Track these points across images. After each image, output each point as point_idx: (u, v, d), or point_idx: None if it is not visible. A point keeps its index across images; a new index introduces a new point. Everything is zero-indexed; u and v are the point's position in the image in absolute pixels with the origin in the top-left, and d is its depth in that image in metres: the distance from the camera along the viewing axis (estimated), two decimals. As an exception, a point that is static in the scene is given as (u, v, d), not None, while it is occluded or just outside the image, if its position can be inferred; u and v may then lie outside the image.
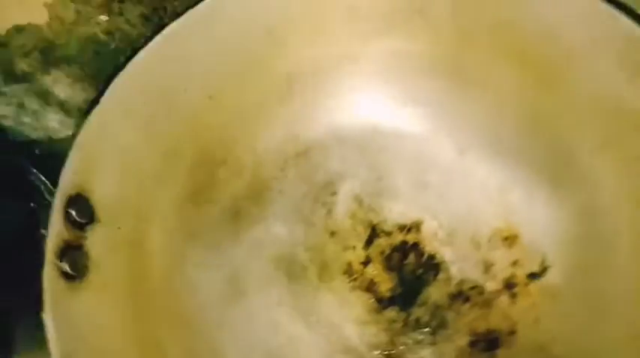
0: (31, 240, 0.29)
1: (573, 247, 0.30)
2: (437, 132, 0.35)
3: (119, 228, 0.28)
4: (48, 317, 0.22)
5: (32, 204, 0.31)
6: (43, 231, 0.25)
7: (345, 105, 0.35)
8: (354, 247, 0.35)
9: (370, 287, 0.33)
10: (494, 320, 0.30)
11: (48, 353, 0.33)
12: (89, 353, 0.23)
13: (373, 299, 0.33)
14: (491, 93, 0.34)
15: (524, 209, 0.32)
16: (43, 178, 0.31)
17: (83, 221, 0.26)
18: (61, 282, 0.24)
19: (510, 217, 0.33)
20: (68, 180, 0.26)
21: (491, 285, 0.32)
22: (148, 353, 0.26)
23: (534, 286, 0.30)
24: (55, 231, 0.25)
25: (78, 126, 0.27)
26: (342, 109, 0.35)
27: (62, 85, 0.36)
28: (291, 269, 0.34)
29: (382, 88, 0.35)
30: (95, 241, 0.27)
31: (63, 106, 0.37)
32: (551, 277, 0.30)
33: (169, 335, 0.28)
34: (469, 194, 0.34)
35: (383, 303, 0.33)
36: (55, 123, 0.37)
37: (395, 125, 0.35)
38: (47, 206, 0.26)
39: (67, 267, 0.25)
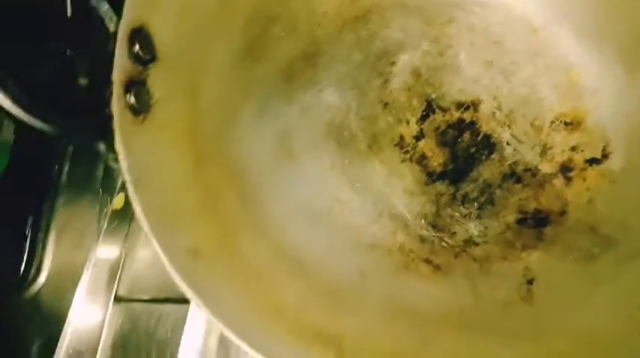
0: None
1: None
2: (515, 5, 0.32)
3: (178, 70, 0.27)
4: (120, 145, 0.22)
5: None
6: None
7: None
8: (407, 121, 0.34)
9: (421, 161, 0.33)
10: (545, 201, 0.30)
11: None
12: (155, 183, 0.23)
13: (423, 172, 0.33)
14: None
15: (593, 93, 0.31)
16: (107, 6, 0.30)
17: (146, 57, 0.25)
18: (128, 115, 0.24)
19: (577, 101, 0.31)
20: (131, 11, 0.25)
21: (545, 168, 0.31)
22: (206, 193, 0.27)
23: (592, 171, 0.30)
24: (121, 64, 0.24)
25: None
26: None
27: None
28: (341, 136, 0.34)
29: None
30: (157, 80, 0.26)
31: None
32: (612, 163, 0.29)
33: (222, 179, 0.29)
34: (535, 76, 0.33)
35: (433, 177, 0.32)
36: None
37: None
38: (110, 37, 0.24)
39: (133, 100, 0.24)
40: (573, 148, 0.31)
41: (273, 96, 0.33)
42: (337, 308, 0.26)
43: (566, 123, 0.31)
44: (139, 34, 0.25)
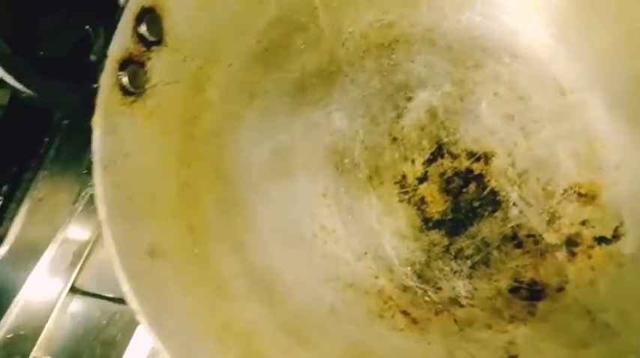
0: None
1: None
2: (548, 63, 0.31)
3: (184, 60, 0.26)
4: (96, 123, 0.21)
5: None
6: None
7: (456, 2, 0.31)
8: (413, 160, 0.32)
9: (420, 205, 0.31)
10: (544, 273, 0.28)
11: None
12: (129, 169, 0.21)
13: (420, 217, 0.30)
14: (625, 26, 0.29)
15: (615, 169, 0.29)
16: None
17: (151, 39, 0.24)
18: (117, 92, 0.22)
19: (596, 174, 0.29)
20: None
21: (550, 237, 0.29)
22: (184, 191, 0.25)
23: (600, 250, 0.28)
24: (122, 38, 0.22)
25: None
26: (451, 6, 0.31)
27: None
28: (341, 163, 0.32)
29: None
30: (158, 65, 0.24)
31: None
32: (622, 246, 0.27)
33: (207, 184, 0.27)
34: (557, 139, 0.31)
35: (429, 224, 0.30)
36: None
37: (504, 42, 0.31)
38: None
39: (125, 80, 0.23)
40: (583, 222, 0.29)
41: (279, 109, 0.31)
42: (295, 342, 0.23)
43: (580, 194, 0.29)
44: (149, 14, 0.24)
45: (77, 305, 0.33)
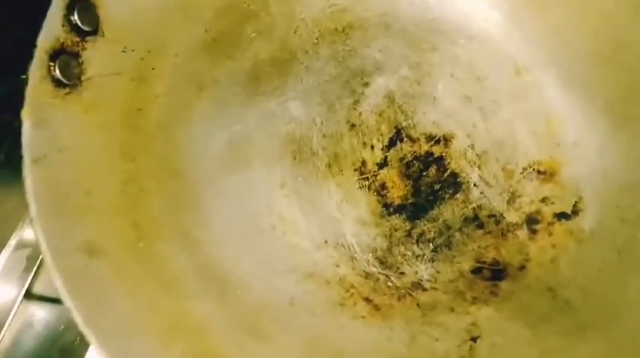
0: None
1: (616, 195, 0.26)
2: (503, 43, 0.30)
3: (124, 51, 0.25)
4: (25, 115, 0.20)
5: None
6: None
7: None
8: (372, 146, 0.31)
9: (380, 190, 0.30)
10: (506, 252, 0.27)
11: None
12: (63, 164, 0.20)
13: (380, 203, 0.30)
14: (576, 8, 0.29)
15: (573, 146, 0.29)
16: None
17: (84, 28, 0.23)
18: (48, 84, 0.21)
19: (554, 151, 0.29)
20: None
21: (511, 216, 0.28)
22: (127, 186, 0.24)
23: (560, 227, 0.27)
24: (52, 27, 0.21)
25: None
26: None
27: None
28: (299, 152, 0.31)
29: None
30: (94, 55, 0.24)
31: None
32: (582, 221, 0.27)
33: (155, 179, 0.26)
34: (514, 118, 0.31)
35: (390, 209, 0.30)
36: None
37: (459, 24, 0.31)
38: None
39: (57, 71, 0.22)
40: (543, 199, 0.28)
41: (232, 99, 0.30)
42: (250, 337, 0.22)
43: (539, 172, 0.29)
44: (81, 2, 0.23)
45: (33, 310, 0.31)
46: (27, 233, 0.33)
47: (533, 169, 0.29)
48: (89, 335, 0.17)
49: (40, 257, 0.32)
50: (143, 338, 0.19)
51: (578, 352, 0.22)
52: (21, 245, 0.32)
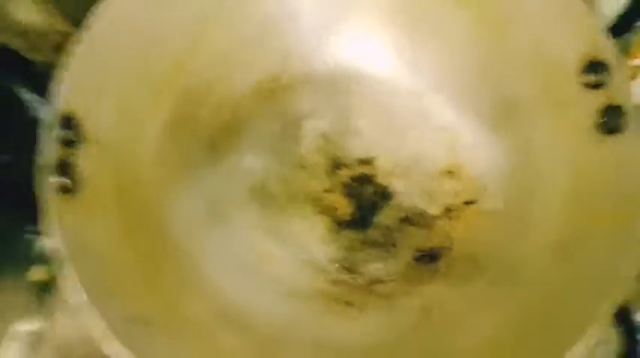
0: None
1: (509, 179, 0.36)
2: (399, 78, 0.39)
3: (107, 148, 0.31)
4: (50, 225, 0.26)
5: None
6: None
7: (320, 49, 0.39)
8: (319, 177, 0.39)
9: (331, 212, 0.38)
10: (435, 239, 0.36)
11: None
12: (88, 257, 0.26)
13: (335, 222, 0.38)
14: (446, 41, 0.38)
15: (471, 149, 0.38)
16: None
17: (74, 139, 0.29)
18: (59, 195, 0.27)
19: (457, 155, 0.38)
20: (62, 102, 0.29)
21: (433, 211, 0.37)
22: (141, 261, 0.30)
23: (470, 210, 0.36)
24: (50, 149, 0.27)
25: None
26: (317, 53, 0.39)
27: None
28: (262, 197, 0.38)
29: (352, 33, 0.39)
30: (84, 159, 0.29)
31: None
32: (486, 203, 0.36)
33: (157, 248, 0.32)
34: (424, 134, 0.40)
35: (342, 225, 0.38)
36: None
37: (363, 70, 0.39)
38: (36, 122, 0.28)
39: (61, 181, 0.27)
40: (455, 193, 0.37)
41: (201, 164, 0.37)
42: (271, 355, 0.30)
43: (449, 173, 0.38)
44: (68, 120, 0.29)
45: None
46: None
47: (445, 171, 0.38)
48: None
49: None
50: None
51: (499, 300, 0.31)
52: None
